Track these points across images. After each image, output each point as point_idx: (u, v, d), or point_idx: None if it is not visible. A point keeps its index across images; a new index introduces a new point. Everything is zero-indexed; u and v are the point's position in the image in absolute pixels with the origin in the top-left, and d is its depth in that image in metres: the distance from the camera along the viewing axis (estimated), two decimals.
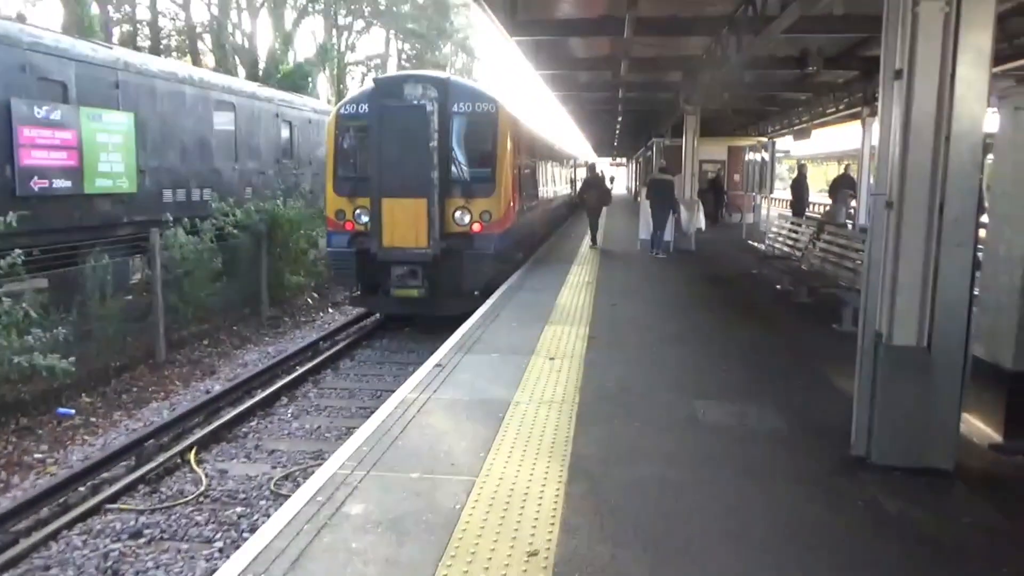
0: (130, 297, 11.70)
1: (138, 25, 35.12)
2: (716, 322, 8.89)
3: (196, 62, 34.18)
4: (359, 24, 46.03)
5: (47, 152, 9.92)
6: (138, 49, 28.74)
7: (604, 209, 18.30)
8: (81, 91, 10.66)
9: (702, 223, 17.14)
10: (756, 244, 14.45)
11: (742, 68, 14.32)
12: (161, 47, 34.64)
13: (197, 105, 13.52)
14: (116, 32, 33.35)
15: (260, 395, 9.61)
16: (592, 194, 17.79)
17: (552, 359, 6.83)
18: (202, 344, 12.24)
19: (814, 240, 11.05)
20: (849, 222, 17.25)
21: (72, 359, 8.48)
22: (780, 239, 12.68)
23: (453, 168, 11.96)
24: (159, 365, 11.01)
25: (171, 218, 11.73)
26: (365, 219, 11.94)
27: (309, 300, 16.01)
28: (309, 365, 10.85)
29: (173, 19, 36.38)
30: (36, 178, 9.75)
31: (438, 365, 6.59)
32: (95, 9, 28.36)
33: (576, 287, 11.37)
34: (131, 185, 11.68)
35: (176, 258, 11.78)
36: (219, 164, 14.39)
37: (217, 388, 10.10)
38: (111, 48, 12.18)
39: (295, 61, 37.99)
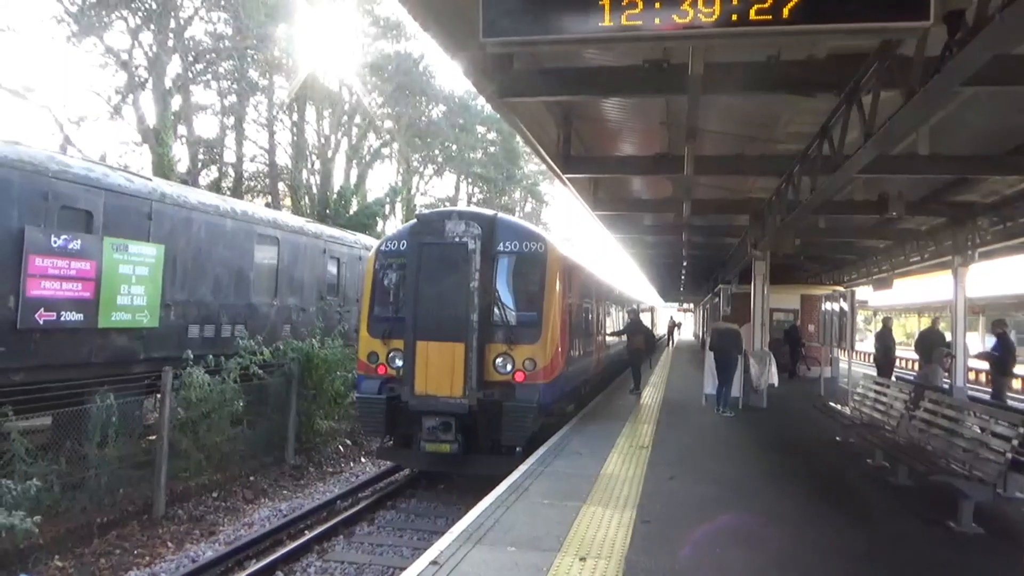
0: (141, 441, 10.74)
1: (224, 168, 36.87)
2: (796, 512, 7.15)
3: (276, 203, 35.39)
4: (430, 168, 47.61)
5: (59, 283, 9.36)
6: (221, 191, 29.97)
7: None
8: (109, 221, 10.26)
9: (774, 378, 15.42)
10: (837, 405, 12.63)
11: (814, 211, 13.21)
12: (243, 188, 36.09)
13: (237, 238, 13.12)
14: (204, 175, 35.22)
15: (252, 567, 8.29)
16: (638, 339, 17.37)
17: (583, 559, 5.32)
18: (210, 497, 11.06)
19: (910, 407, 9.32)
20: (946, 383, 15.22)
21: (38, 518, 7.38)
22: (868, 403, 10.92)
23: (496, 310, 10.93)
24: (154, 522, 9.85)
25: (191, 355, 10.91)
26: (399, 363, 10.91)
27: (340, 448, 14.80)
28: (319, 530, 9.49)
29: (254, 160, 38.04)
30: (42, 310, 9.13)
31: (434, 563, 5.17)
32: (175, 151, 29.79)
33: (627, 452, 9.81)
34: (152, 319, 11.03)
35: (192, 399, 10.91)
36: (256, 299, 13.79)
37: (208, 555, 8.81)
38: (149, 180, 11.96)
39: (364, 202, 39.03)
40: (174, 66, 30.78)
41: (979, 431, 7.27)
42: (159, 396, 10.80)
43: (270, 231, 14.26)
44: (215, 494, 11.17)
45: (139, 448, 10.14)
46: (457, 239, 10.71)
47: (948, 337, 18.40)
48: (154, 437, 10.62)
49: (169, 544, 9.36)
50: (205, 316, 12.36)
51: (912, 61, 6.26)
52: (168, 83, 30.00)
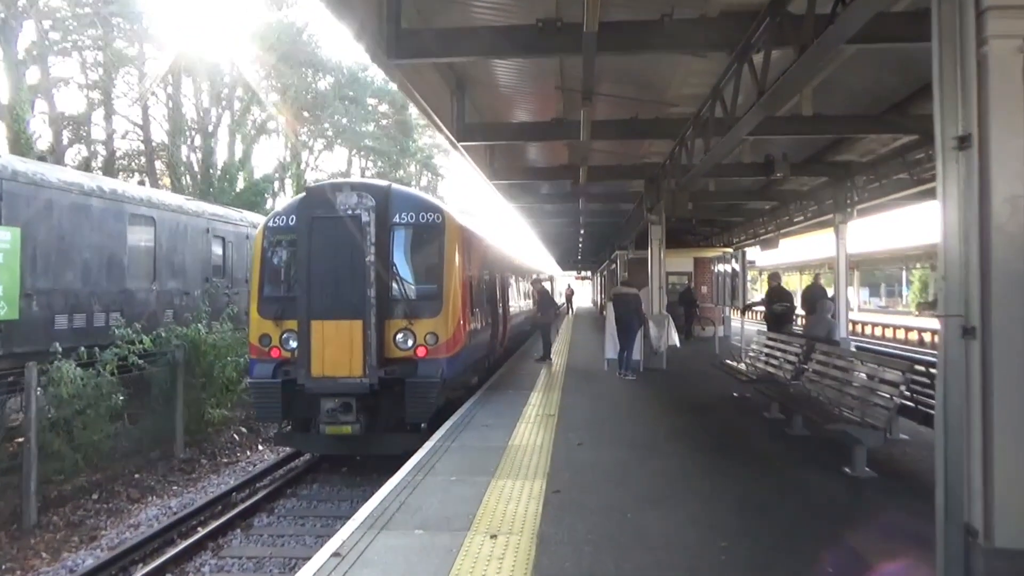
0: (8, 445, 9.73)
1: (94, 146, 34.13)
2: (703, 469, 7.20)
3: (154, 182, 33.12)
4: (320, 143, 45.88)
5: None
6: (91, 171, 27.67)
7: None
8: None
9: (675, 339, 15.75)
10: (733, 362, 13.01)
11: (706, 174, 13.44)
12: (116, 168, 33.58)
13: (107, 219, 12.03)
14: (70, 154, 32.47)
15: (138, 573, 7.67)
16: (548, 309, 17.84)
17: (494, 536, 5.11)
18: (90, 499, 10.20)
19: (802, 360, 9.64)
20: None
21: None
22: (762, 359, 11.27)
23: (394, 285, 10.52)
24: (26, 532, 8.96)
25: (59, 348, 9.94)
26: (294, 344, 10.34)
27: (236, 437, 14.04)
28: (213, 526, 8.90)
29: (127, 137, 35.41)
30: None
31: (336, 554, 4.82)
32: (37, 129, 27.34)
33: (535, 421, 9.70)
34: (10, 311, 9.97)
35: (63, 395, 9.98)
36: (132, 284, 12.76)
37: (88, 563, 8.09)
38: None
39: (251, 179, 37.22)
40: (28, 34, 28.13)
41: (868, 379, 7.55)
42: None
43: (144, 210, 13.18)
44: (95, 496, 10.31)
45: (2, 453, 9.14)
46: (350, 211, 10.19)
47: (829, 292, 19.37)
48: (22, 440, 9.66)
49: (44, 555, 8.55)
50: (74, 305, 11.29)
51: (803, 19, 6.28)
52: (22, 53, 27.40)
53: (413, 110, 45.15)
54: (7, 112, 25.53)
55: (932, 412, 7.00)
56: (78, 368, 10.32)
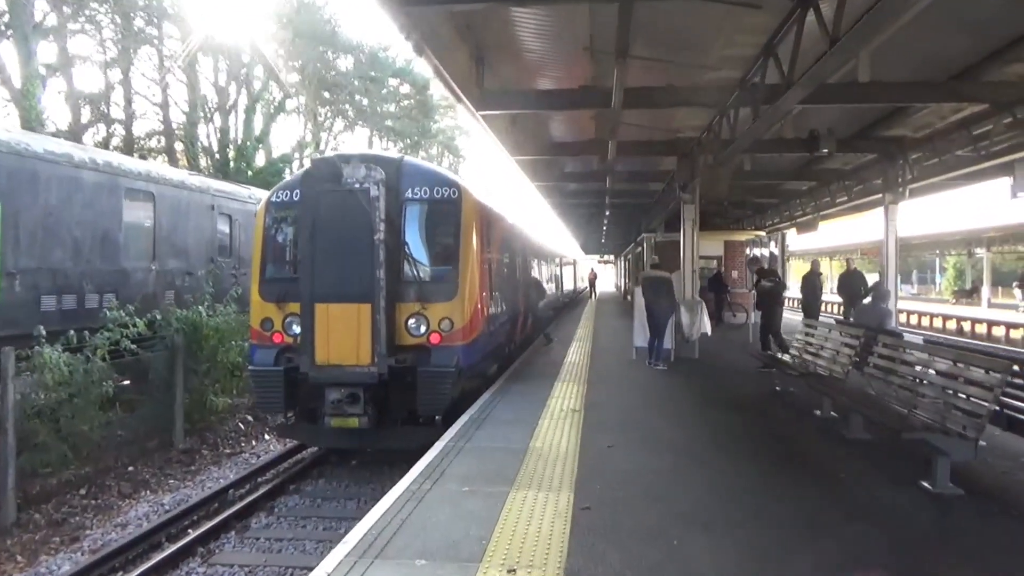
0: None
1: (113, 127, 33.57)
2: (756, 481, 6.18)
3: (173, 162, 32.49)
4: (340, 123, 45.06)
5: None
6: (110, 150, 27.03)
7: None
8: None
9: (707, 327, 14.68)
10: (778, 353, 11.97)
11: (747, 150, 12.36)
12: (135, 147, 33.02)
13: (100, 194, 11.19)
14: (89, 133, 31.91)
15: None
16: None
17: (512, 572, 4.17)
18: (77, 495, 9.45)
19: (861, 354, 8.56)
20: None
21: None
22: (811, 350, 10.20)
23: (406, 266, 9.62)
24: (3, 530, 8.21)
25: (43, 331, 9.15)
26: (297, 329, 9.50)
27: (241, 425, 13.27)
28: (205, 527, 8.10)
29: (146, 117, 34.78)
30: None
31: None
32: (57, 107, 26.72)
33: (559, 417, 8.74)
34: None
35: (49, 382, 9.21)
36: (129, 264, 11.94)
37: (64, 569, 7.33)
38: None
39: (270, 158, 36.55)
40: (41, 10, 27.38)
41: (945, 378, 6.51)
42: None
43: (142, 185, 12.32)
44: (83, 491, 9.56)
45: None
46: (358, 185, 9.28)
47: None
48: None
49: (19, 558, 7.78)
50: (63, 285, 10.49)
51: None
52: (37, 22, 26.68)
53: (435, 90, 44.41)
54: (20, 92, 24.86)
55: (1020, 417, 5.97)
56: (66, 353, 9.54)
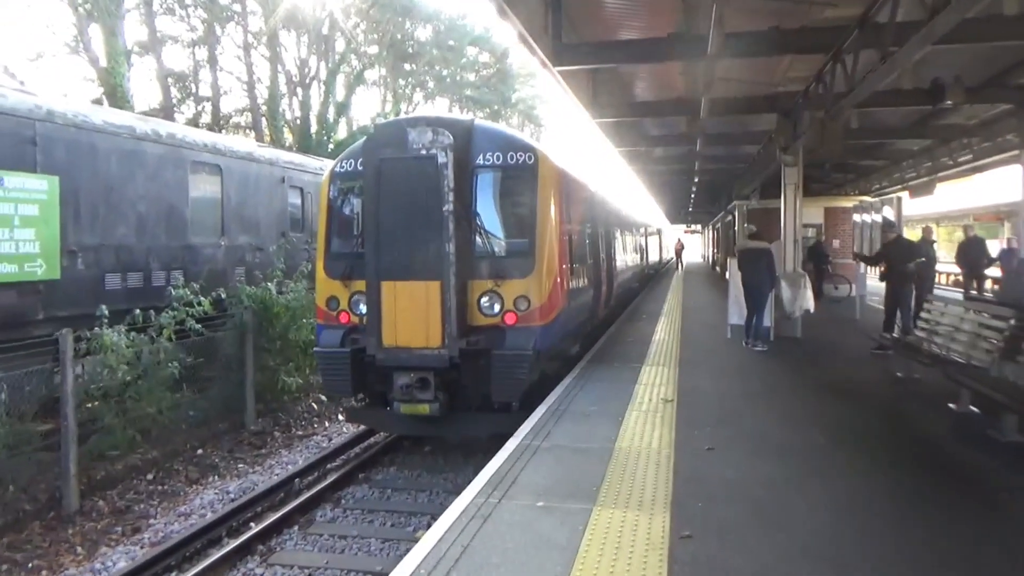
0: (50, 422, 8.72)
1: (202, 104, 34.22)
2: (896, 500, 5.01)
3: (259, 137, 32.85)
4: (419, 94, 44.56)
5: None
6: (199, 127, 27.41)
7: None
8: None
9: (810, 303, 13.27)
10: (904, 335, 10.52)
11: (861, 104, 10.84)
12: (222, 123, 33.58)
13: (165, 167, 10.81)
14: (181, 110, 32.57)
15: None
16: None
17: None
18: (144, 480, 9.16)
19: (1011, 340, 7.20)
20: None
21: None
22: (941, 331, 8.82)
23: (477, 239, 8.81)
24: (64, 519, 7.94)
25: (105, 311, 8.81)
26: (364, 308, 8.88)
27: (314, 405, 12.88)
28: (267, 522, 7.59)
29: (228, 94, 35.21)
30: None
31: None
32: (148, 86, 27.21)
33: (648, 410, 7.75)
34: (50, 270, 8.89)
35: (114, 364, 8.90)
36: (196, 239, 11.58)
37: (120, 565, 6.94)
38: (31, 95, 9.53)
39: (351, 129, 36.45)
40: None
41: None
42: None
43: (209, 157, 11.90)
44: (150, 476, 9.27)
45: (36, 431, 8.10)
46: (424, 151, 8.46)
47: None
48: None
49: (79, 549, 7.47)
50: (128, 263, 10.18)
51: None
52: (122, 11, 27.09)
53: (514, 58, 43.29)
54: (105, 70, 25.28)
55: None
56: (132, 333, 9.22)
